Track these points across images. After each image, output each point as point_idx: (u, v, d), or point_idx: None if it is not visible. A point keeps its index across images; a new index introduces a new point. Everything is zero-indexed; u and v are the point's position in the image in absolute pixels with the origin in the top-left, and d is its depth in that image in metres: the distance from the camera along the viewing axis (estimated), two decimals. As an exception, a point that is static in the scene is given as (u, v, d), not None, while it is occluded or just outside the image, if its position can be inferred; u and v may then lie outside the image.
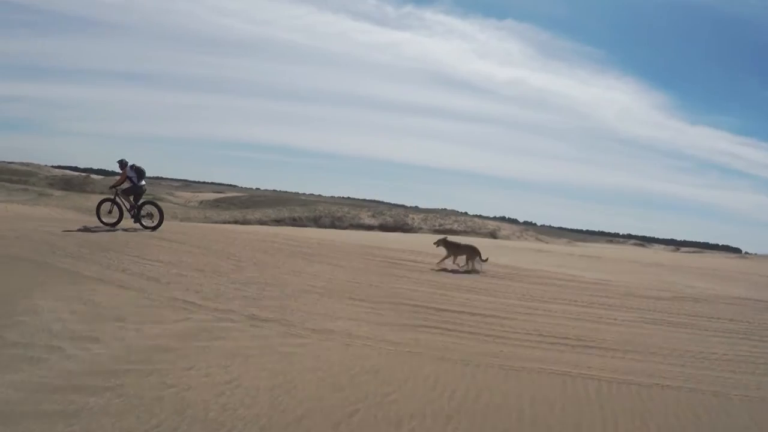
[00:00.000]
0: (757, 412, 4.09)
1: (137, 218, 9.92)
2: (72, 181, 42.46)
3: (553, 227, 57.03)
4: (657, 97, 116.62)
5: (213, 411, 3.22)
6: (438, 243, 9.49)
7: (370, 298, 6.53)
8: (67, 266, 6.83)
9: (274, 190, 61.80)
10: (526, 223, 55.57)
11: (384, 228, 31.83)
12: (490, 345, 5.07)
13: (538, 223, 58.75)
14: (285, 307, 5.76)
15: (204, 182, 66.63)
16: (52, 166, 52.49)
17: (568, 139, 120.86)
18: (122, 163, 9.84)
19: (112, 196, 10.07)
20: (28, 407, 3.19)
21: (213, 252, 8.61)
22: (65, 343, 4.27)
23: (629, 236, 56.77)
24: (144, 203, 10.07)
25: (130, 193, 9.89)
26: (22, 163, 47.28)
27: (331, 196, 64.18)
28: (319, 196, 63.17)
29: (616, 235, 58.72)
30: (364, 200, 58.96)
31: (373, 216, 34.44)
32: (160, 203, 11.26)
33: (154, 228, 9.90)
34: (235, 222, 28.19)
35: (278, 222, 30.27)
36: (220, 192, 52.99)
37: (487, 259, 9.36)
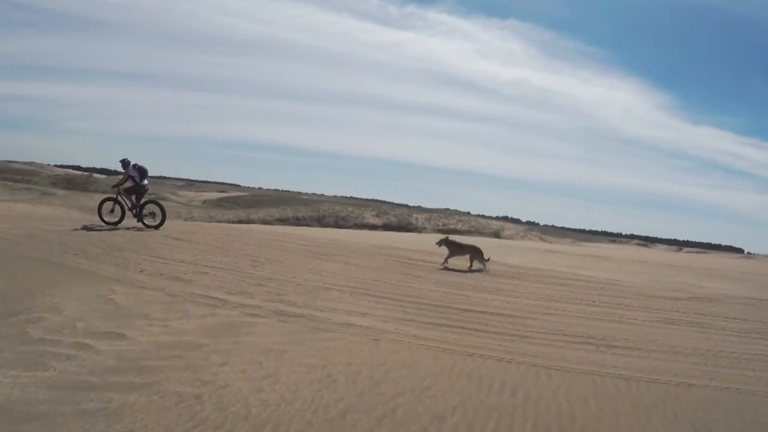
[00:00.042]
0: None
1: (139, 217, 9.93)
2: (75, 180, 42.39)
3: (556, 227, 57.22)
4: (660, 97, 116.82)
5: (254, 407, 3.22)
6: (440, 243, 9.51)
7: (391, 296, 6.55)
8: (83, 266, 6.83)
9: (276, 190, 61.99)
10: (528, 222, 55.67)
11: (388, 228, 31.85)
12: (518, 344, 5.10)
13: (541, 223, 58.83)
14: (309, 303, 5.79)
15: (206, 181, 66.59)
16: (55, 165, 52.56)
17: (570, 139, 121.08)
18: (124, 163, 9.83)
19: (114, 195, 10.07)
20: (67, 406, 3.15)
21: (228, 250, 8.61)
22: (92, 340, 4.25)
23: (632, 236, 56.90)
24: (146, 202, 10.07)
25: (133, 192, 9.88)
26: (24, 163, 47.28)
27: (334, 196, 64.28)
28: (322, 195, 63.21)
29: (619, 235, 58.88)
30: (367, 200, 59.02)
31: (377, 216, 34.46)
32: (162, 202, 11.25)
33: (156, 227, 9.90)
34: (239, 221, 28.18)
35: (282, 221, 30.27)
36: (223, 191, 52.96)
37: (489, 259, 9.39)
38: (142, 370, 3.71)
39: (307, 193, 62.57)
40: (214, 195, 48.13)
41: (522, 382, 4.05)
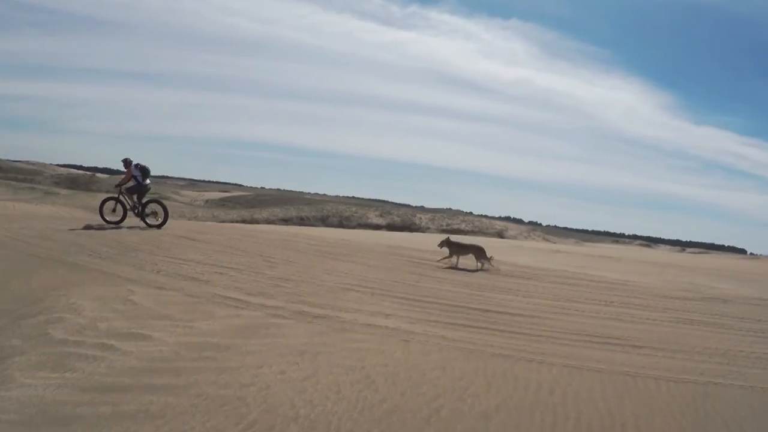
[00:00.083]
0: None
1: (142, 216, 9.92)
2: (78, 179, 42.37)
3: (559, 227, 57.20)
4: (662, 97, 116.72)
5: (301, 408, 3.20)
6: (442, 244, 9.53)
7: (411, 297, 6.55)
8: (98, 266, 6.80)
9: (279, 189, 61.85)
10: (531, 223, 55.60)
11: (391, 228, 31.88)
12: (544, 344, 5.12)
13: (544, 223, 58.83)
14: (331, 304, 5.78)
15: (209, 181, 66.34)
16: (58, 165, 52.43)
17: (573, 139, 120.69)
18: (127, 162, 9.80)
19: (116, 195, 10.03)
20: (105, 408, 3.09)
21: (241, 251, 8.60)
22: (116, 341, 4.19)
23: (635, 237, 56.90)
24: (148, 202, 10.06)
25: (135, 192, 9.85)
26: (27, 162, 47.20)
27: (336, 195, 64.11)
28: (324, 195, 63.03)
29: (622, 235, 58.84)
30: (369, 200, 58.99)
31: (381, 216, 34.50)
32: (165, 202, 11.23)
33: (158, 226, 9.89)
34: (243, 221, 28.16)
35: (286, 221, 30.27)
36: (226, 191, 52.86)
37: (491, 258, 9.41)
38: (177, 371, 3.66)
39: (309, 193, 62.52)
40: (217, 195, 48.10)
41: (556, 381, 4.07)
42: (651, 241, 53.60)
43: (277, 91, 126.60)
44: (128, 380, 3.51)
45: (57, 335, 4.27)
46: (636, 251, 32.09)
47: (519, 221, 52.79)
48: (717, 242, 59.95)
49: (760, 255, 39.55)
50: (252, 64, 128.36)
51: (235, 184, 66.97)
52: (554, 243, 33.09)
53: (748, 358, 5.46)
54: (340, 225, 30.31)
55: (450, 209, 47.14)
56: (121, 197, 9.90)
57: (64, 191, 35.49)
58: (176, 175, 63.70)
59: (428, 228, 33.48)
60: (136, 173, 9.75)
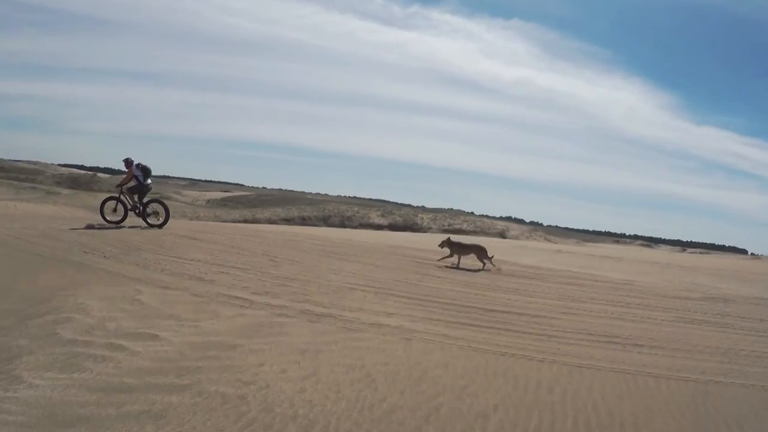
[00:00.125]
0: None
1: (143, 216, 9.98)
2: (79, 179, 42.47)
3: (560, 227, 57.18)
4: (663, 98, 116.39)
5: (300, 407, 3.23)
6: (443, 244, 9.56)
7: (414, 296, 6.60)
8: (103, 266, 6.84)
9: (281, 189, 61.94)
10: (532, 223, 55.62)
11: (393, 228, 31.91)
12: (546, 343, 5.15)
13: (545, 223, 58.81)
14: (335, 303, 5.82)
15: (210, 181, 66.51)
16: (59, 165, 52.55)
17: (574, 139, 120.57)
18: (128, 162, 9.86)
19: (117, 195, 10.08)
20: (110, 409, 3.11)
21: (246, 250, 8.65)
22: (125, 340, 4.23)
23: (635, 237, 56.79)
24: (150, 201, 10.12)
25: (136, 192, 9.91)
26: (29, 162, 47.28)
27: (338, 195, 64.20)
28: (326, 195, 63.11)
29: (623, 235, 58.73)
30: (371, 199, 59.05)
31: (383, 216, 34.54)
32: (166, 202, 11.29)
33: (159, 226, 9.95)
34: (245, 221, 28.22)
35: (287, 221, 30.32)
36: (227, 191, 52.96)
37: (492, 257, 9.45)
38: (181, 371, 3.69)
39: (311, 193, 62.59)
40: (218, 194, 48.19)
41: (556, 380, 4.11)
42: (652, 242, 53.46)
43: (278, 91, 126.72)
44: (134, 380, 3.54)
45: (66, 335, 4.29)
46: (637, 251, 32.04)
47: (520, 221, 52.84)
48: (718, 242, 59.89)
49: (761, 255, 39.41)
50: (253, 64, 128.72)
51: (237, 184, 67.16)
52: (556, 243, 33.07)
53: (749, 357, 5.48)
54: (342, 225, 30.35)
55: (451, 209, 47.22)
56: (121, 197, 9.96)
57: (65, 191, 35.60)
58: (177, 175, 64.02)
59: (430, 228, 33.50)
60: (138, 173, 9.81)
